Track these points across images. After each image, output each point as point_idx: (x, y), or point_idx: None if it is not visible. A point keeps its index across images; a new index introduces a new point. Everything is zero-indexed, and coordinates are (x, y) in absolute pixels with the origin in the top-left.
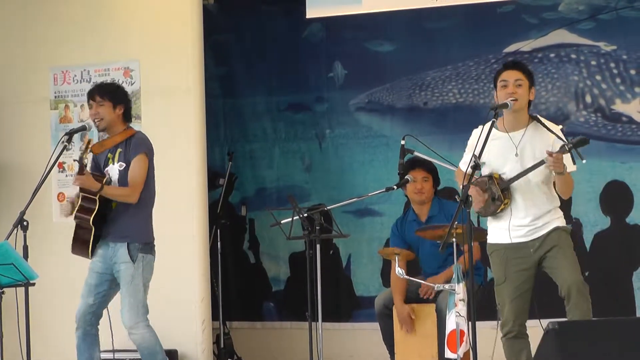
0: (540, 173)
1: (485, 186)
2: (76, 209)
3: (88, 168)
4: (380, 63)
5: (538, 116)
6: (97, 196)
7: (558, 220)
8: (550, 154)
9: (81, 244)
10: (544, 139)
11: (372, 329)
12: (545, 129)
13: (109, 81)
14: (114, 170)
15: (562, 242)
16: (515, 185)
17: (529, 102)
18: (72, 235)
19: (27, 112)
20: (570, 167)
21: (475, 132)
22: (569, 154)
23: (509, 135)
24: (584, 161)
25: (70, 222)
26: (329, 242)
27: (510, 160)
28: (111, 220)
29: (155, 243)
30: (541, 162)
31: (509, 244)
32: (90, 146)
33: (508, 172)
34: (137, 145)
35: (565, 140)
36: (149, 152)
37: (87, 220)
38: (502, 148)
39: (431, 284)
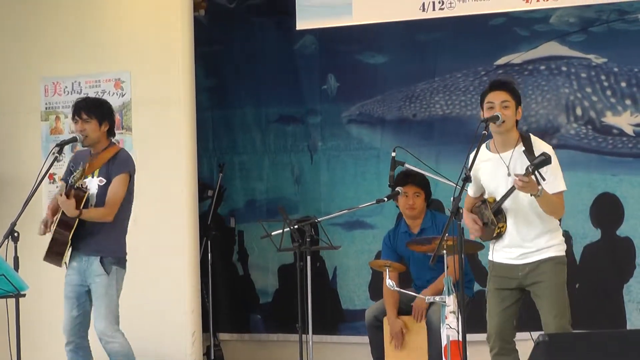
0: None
1: (479, 212)
2: (56, 223)
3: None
4: (372, 75)
5: (530, 135)
6: None
7: (554, 248)
8: (517, 176)
9: (55, 254)
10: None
11: (357, 342)
12: (537, 147)
13: (100, 96)
14: (92, 183)
15: (552, 278)
16: (507, 207)
17: (517, 122)
18: (47, 245)
19: (18, 123)
20: (559, 187)
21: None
22: (556, 172)
23: (500, 155)
24: (544, 182)
25: None
26: (316, 254)
27: (502, 181)
28: (86, 234)
29: (127, 258)
30: (513, 188)
31: (499, 263)
32: (85, 173)
33: (502, 193)
34: (121, 164)
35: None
36: (132, 171)
37: (67, 236)
38: (494, 169)
39: (422, 296)
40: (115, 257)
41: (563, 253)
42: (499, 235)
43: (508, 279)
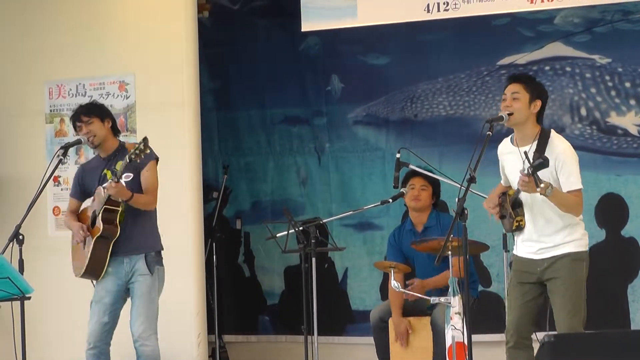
0: None
1: (500, 203)
2: (101, 227)
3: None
4: (376, 76)
5: (551, 131)
6: (119, 206)
7: (573, 244)
8: (521, 173)
9: (97, 265)
10: (549, 156)
11: (366, 343)
12: (552, 144)
13: (104, 98)
14: None
15: (568, 274)
16: (524, 201)
17: (539, 115)
18: (88, 260)
19: (23, 125)
20: (573, 185)
21: (499, 148)
22: (570, 169)
23: (519, 149)
24: (541, 185)
25: (66, 236)
26: (324, 255)
27: (518, 175)
28: (122, 235)
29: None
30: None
31: (520, 257)
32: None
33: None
34: (145, 154)
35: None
36: (157, 158)
37: (115, 232)
38: (514, 162)
39: (427, 298)
40: (156, 252)
41: (583, 249)
42: (519, 228)
43: (528, 274)
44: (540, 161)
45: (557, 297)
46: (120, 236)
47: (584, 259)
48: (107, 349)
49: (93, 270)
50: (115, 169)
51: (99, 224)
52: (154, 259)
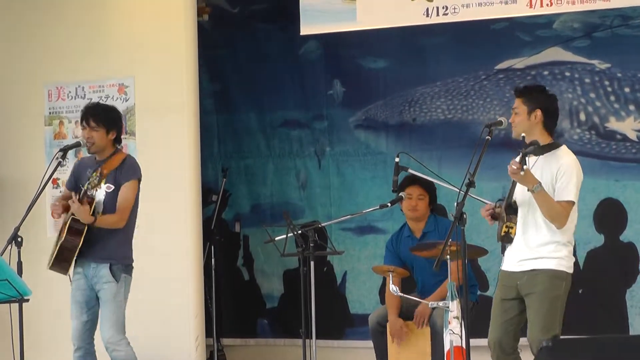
0: None
1: (499, 206)
2: (65, 230)
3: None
4: (374, 80)
5: (562, 146)
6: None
7: (556, 261)
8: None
9: (62, 262)
10: (552, 167)
11: (365, 347)
12: (557, 154)
13: (104, 101)
14: (100, 191)
15: (545, 291)
16: (520, 204)
17: (547, 125)
18: (55, 254)
19: (22, 128)
20: (565, 195)
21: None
22: (569, 181)
23: (528, 159)
24: (525, 167)
25: None
26: (323, 259)
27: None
28: (93, 240)
29: (133, 265)
30: (515, 183)
31: (504, 270)
32: (102, 179)
33: (526, 195)
34: (129, 171)
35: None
36: (140, 178)
37: (77, 243)
38: None
39: (425, 302)
40: (124, 264)
41: (565, 269)
42: (508, 237)
43: (509, 288)
44: (532, 148)
45: (532, 312)
46: (89, 241)
47: (564, 279)
48: (91, 348)
49: (58, 269)
50: (87, 188)
51: (64, 233)
52: (120, 269)
